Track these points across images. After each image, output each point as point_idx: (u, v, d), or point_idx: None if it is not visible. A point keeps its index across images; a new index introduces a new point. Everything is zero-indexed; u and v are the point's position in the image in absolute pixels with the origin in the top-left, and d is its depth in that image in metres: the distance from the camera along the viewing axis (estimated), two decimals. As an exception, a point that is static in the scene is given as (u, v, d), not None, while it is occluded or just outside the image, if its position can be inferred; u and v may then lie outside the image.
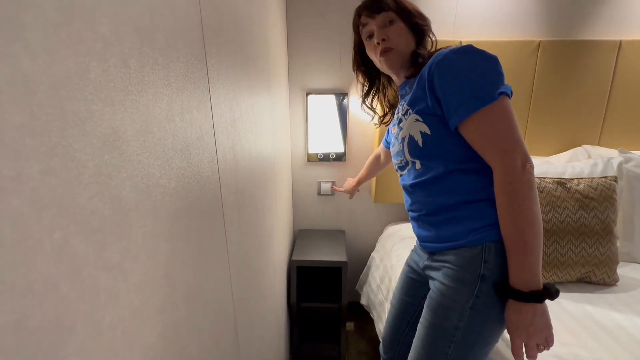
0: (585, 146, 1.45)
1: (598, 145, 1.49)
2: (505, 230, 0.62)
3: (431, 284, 0.75)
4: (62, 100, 0.22)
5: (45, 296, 0.21)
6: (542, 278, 0.62)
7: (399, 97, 0.85)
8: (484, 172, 0.66)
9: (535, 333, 0.60)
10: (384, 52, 0.76)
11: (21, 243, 0.19)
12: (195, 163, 0.44)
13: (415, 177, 0.75)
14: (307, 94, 1.51)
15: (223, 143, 0.55)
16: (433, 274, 0.75)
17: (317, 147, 1.59)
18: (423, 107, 0.69)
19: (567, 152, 1.46)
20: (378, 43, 0.76)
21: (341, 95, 1.52)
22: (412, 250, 0.92)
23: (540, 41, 1.39)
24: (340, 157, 1.60)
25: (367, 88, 0.96)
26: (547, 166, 1.30)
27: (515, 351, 0.63)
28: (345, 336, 1.54)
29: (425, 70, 0.67)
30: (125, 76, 0.28)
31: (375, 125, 1.03)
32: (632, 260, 1.26)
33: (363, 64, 0.91)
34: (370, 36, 0.79)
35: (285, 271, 1.42)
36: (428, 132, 0.68)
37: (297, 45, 1.47)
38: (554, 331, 0.64)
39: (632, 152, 1.33)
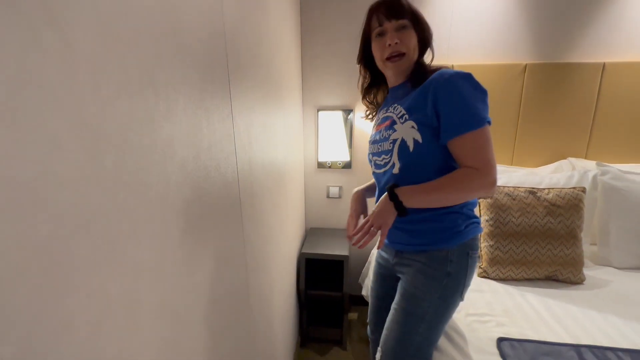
0: (571, 159, 1.58)
1: (585, 158, 1.61)
2: (442, 183, 0.75)
3: (402, 277, 0.90)
4: (164, 150, 0.47)
5: (149, 263, 0.46)
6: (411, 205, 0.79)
7: (390, 97, 0.91)
8: None
9: (378, 219, 0.80)
10: (395, 56, 0.81)
11: (138, 233, 0.44)
12: (223, 174, 0.69)
13: (390, 181, 0.85)
14: (318, 110, 1.76)
15: (242, 159, 0.80)
16: (404, 269, 0.90)
17: (327, 156, 1.82)
18: (421, 117, 0.77)
19: (553, 164, 1.60)
20: (389, 45, 0.80)
21: (347, 111, 1.74)
22: (377, 249, 1.04)
23: (526, 64, 1.55)
24: (347, 165, 1.83)
25: (368, 81, 0.98)
26: (532, 177, 1.45)
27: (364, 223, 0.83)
28: (347, 322, 1.75)
29: (431, 84, 0.76)
30: (193, 123, 0.54)
31: (369, 119, 1.05)
32: (608, 264, 1.38)
33: (367, 57, 0.92)
34: (380, 34, 0.82)
35: (296, 262, 1.66)
36: (420, 140, 0.77)
37: (310, 70, 1.72)
38: (513, 317, 0.84)
39: (610, 165, 1.45)
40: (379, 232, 0.82)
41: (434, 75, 0.77)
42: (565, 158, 1.61)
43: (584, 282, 1.25)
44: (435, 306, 0.84)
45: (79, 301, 0.32)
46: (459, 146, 0.75)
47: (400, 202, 0.78)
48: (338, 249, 1.69)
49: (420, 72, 0.82)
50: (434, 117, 0.76)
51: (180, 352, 0.53)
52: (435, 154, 0.79)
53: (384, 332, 0.93)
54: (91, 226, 0.34)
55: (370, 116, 1.04)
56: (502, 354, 0.90)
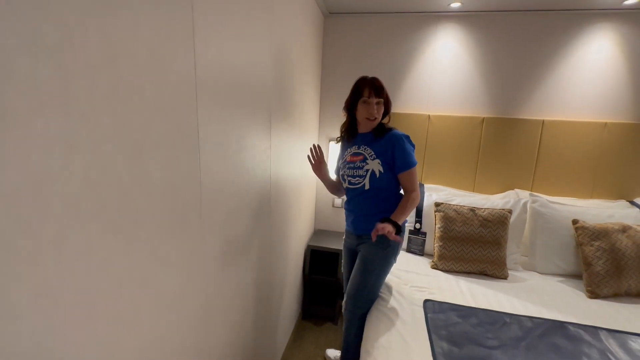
0: (517, 190, 2.07)
1: (531, 190, 2.09)
2: (403, 204, 1.33)
3: (361, 250, 1.46)
4: (247, 169, 1.08)
5: (242, 214, 1.06)
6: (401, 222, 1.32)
7: (359, 139, 1.45)
8: (396, 197, 1.40)
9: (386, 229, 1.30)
10: (372, 119, 1.38)
11: (240, 203, 1.05)
12: (261, 184, 1.29)
13: (360, 193, 1.45)
14: (329, 140, 2.37)
15: (273, 173, 1.40)
16: (362, 246, 1.46)
17: (334, 174, 2.41)
18: (384, 158, 1.37)
19: (503, 193, 2.09)
20: (371, 112, 1.36)
21: (351, 142, 2.34)
22: (344, 238, 1.62)
23: (484, 117, 2.09)
24: (348, 183, 2.40)
25: (348, 123, 1.51)
26: (482, 200, 1.94)
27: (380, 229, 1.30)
28: (339, 305, 2.27)
29: (390, 139, 1.35)
30: (257, 152, 1.15)
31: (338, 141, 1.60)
32: (533, 269, 1.83)
33: (350, 109, 1.46)
34: (366, 102, 1.37)
35: (303, 252, 2.23)
36: (382, 171, 1.38)
37: (326, 111, 2.35)
38: (442, 291, 1.47)
39: (541, 195, 1.93)
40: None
41: (391, 133, 1.38)
42: (513, 189, 2.09)
43: (508, 278, 1.72)
44: (379, 264, 1.40)
45: (219, 218, 0.93)
46: (402, 177, 1.38)
47: (397, 223, 1.29)
48: (336, 244, 2.24)
49: (381, 129, 1.42)
50: (391, 160, 1.37)
51: (230, 265, 1.13)
52: (391, 179, 1.39)
53: (348, 285, 1.49)
54: (233, 201, 0.95)
55: (339, 142, 1.61)
56: (424, 307, 1.41)
